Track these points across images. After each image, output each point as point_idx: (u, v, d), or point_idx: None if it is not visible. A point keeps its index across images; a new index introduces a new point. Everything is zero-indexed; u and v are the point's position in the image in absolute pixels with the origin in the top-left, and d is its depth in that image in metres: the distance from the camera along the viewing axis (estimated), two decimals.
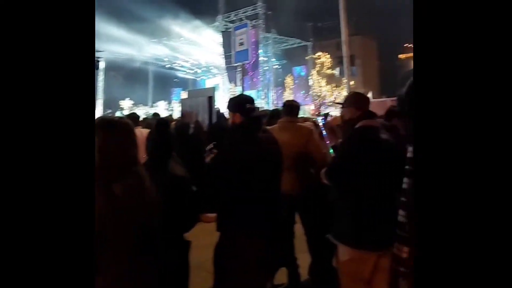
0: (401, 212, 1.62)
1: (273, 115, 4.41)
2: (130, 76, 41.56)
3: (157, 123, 2.67)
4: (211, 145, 2.50)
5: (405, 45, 43.15)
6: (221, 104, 23.18)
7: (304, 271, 3.51)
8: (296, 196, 3.30)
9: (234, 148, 2.29)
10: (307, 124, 3.85)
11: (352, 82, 14.79)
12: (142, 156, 2.54)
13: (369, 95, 18.86)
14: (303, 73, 38.01)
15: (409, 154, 1.59)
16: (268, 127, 3.49)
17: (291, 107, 3.71)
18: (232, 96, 3.43)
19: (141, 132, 3.48)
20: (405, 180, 1.54)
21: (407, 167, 1.51)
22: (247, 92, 26.47)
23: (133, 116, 5.50)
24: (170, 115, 12.13)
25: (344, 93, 26.78)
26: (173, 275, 2.39)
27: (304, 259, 3.50)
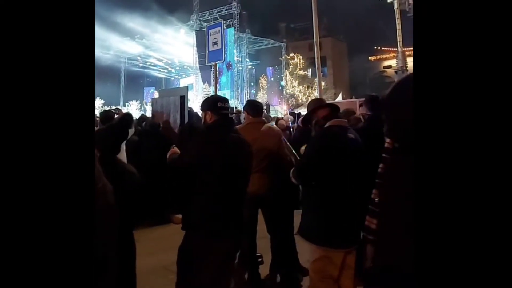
0: (374, 191, 1.70)
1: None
2: (101, 74, 40.47)
3: (123, 117, 2.60)
4: (172, 148, 2.49)
5: (374, 47, 44.29)
6: (195, 104, 22.99)
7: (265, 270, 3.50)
8: (263, 196, 3.27)
9: (204, 147, 2.26)
10: (276, 125, 3.76)
11: (323, 83, 15.04)
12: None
13: (339, 96, 19.26)
14: (274, 75, 38.41)
15: (386, 145, 1.69)
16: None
17: (255, 107, 3.55)
18: (206, 97, 3.34)
19: None
20: (380, 165, 1.59)
21: (383, 154, 1.60)
22: (220, 92, 26.37)
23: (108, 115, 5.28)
24: (142, 114, 11.94)
25: (316, 93, 27.16)
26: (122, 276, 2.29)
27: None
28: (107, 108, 29.95)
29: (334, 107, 2.75)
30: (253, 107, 3.56)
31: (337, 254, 2.45)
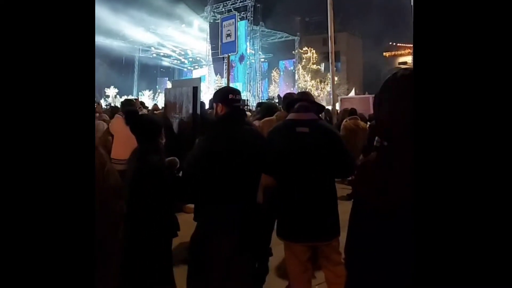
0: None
1: (269, 108, 4.02)
2: (115, 64, 40.79)
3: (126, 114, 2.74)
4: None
5: (389, 43, 43.59)
6: (207, 96, 23.07)
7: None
8: None
9: (215, 139, 2.27)
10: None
11: (336, 78, 14.96)
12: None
13: (352, 92, 19.14)
14: (290, 67, 38.25)
15: (375, 143, 1.70)
16: (263, 119, 3.49)
17: (292, 102, 3.40)
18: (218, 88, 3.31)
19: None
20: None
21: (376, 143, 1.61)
22: (233, 84, 26.36)
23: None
24: (155, 104, 12.06)
25: (328, 88, 26.98)
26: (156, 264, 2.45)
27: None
28: (120, 97, 30.31)
29: (317, 105, 2.80)
30: (286, 101, 3.37)
31: (299, 249, 2.46)
